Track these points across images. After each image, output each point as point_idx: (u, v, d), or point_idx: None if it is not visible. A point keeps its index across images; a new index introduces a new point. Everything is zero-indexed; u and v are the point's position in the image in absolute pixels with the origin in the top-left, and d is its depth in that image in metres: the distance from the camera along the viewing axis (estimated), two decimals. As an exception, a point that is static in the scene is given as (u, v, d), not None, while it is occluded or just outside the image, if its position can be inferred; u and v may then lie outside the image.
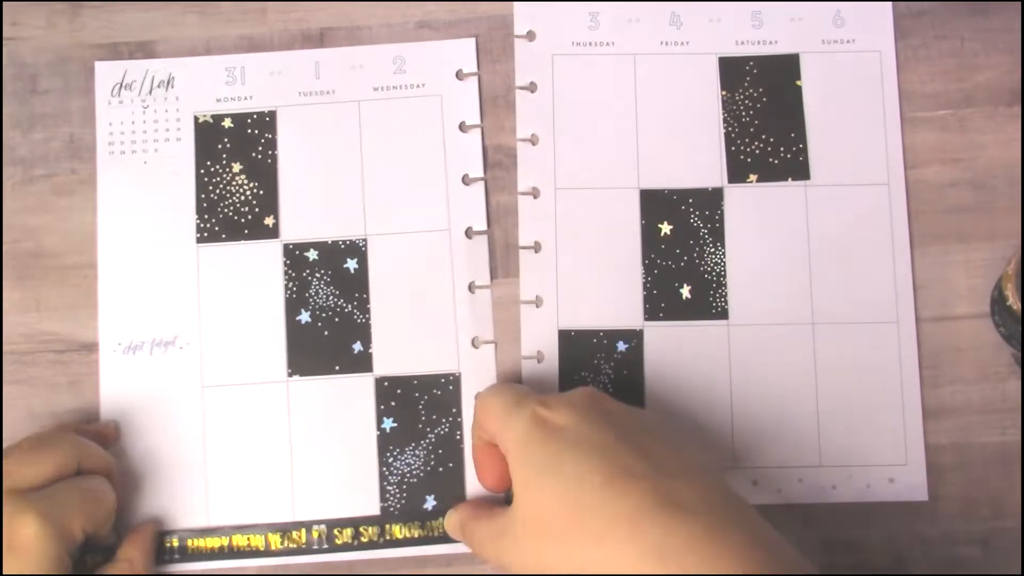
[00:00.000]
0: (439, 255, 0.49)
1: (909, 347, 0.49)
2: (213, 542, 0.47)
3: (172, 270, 0.49)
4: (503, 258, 0.50)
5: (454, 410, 0.48)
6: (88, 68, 0.51)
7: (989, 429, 0.48)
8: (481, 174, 0.50)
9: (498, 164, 0.50)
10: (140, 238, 0.49)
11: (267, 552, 0.47)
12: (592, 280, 0.49)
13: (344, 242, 0.49)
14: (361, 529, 0.47)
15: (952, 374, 0.49)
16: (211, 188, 0.50)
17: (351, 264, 0.49)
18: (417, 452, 0.48)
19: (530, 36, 0.51)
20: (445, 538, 0.47)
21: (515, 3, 0.51)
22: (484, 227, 0.50)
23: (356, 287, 0.49)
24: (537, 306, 0.49)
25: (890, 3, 0.51)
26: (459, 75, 0.51)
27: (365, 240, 0.49)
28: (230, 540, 0.47)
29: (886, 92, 0.51)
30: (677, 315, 0.49)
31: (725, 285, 0.49)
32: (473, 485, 0.48)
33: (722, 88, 0.51)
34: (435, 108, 0.51)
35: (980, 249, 0.49)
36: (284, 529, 0.47)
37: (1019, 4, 0.51)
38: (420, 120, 0.50)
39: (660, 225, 0.50)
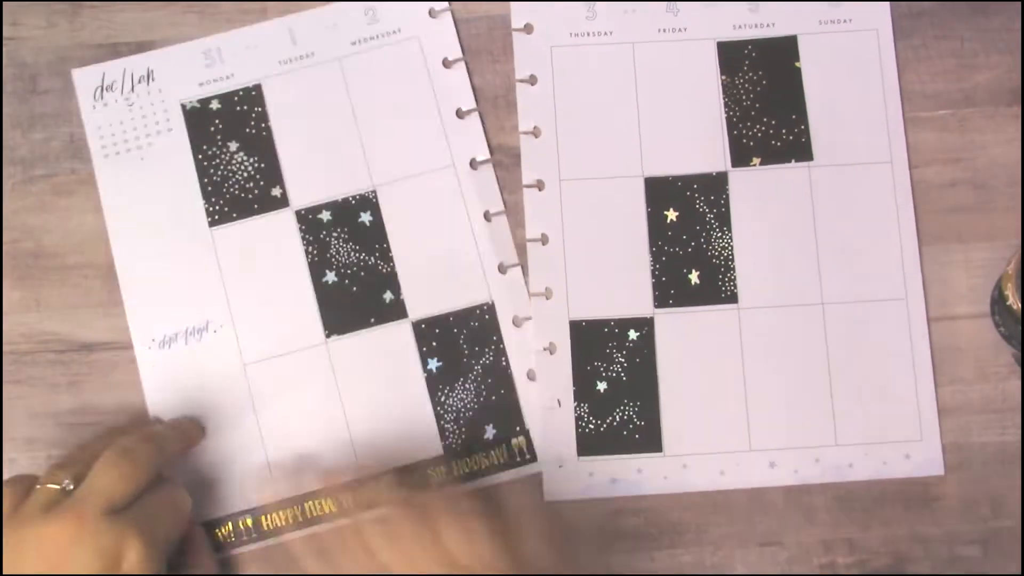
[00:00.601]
0: (449, 191, 0.50)
1: (919, 323, 0.49)
2: (286, 514, 0.47)
3: (190, 258, 0.49)
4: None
5: (495, 338, 0.49)
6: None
7: (989, 429, 0.48)
8: (473, 105, 0.50)
9: (499, 164, 0.50)
10: (152, 233, 0.49)
11: (341, 512, 0.47)
12: (601, 270, 0.49)
13: (355, 197, 0.50)
14: (429, 472, 0.48)
15: (952, 374, 0.49)
16: (212, 171, 0.50)
17: (365, 217, 0.49)
18: (467, 386, 0.48)
19: (528, 29, 0.51)
20: (509, 464, 0.47)
21: (512, 3, 0.51)
22: (487, 156, 0.50)
23: (375, 239, 0.49)
24: (547, 298, 0.49)
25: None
26: (431, 13, 0.51)
27: (375, 191, 0.50)
28: (302, 508, 0.47)
29: (885, 70, 0.51)
30: (687, 301, 0.49)
31: (733, 269, 0.49)
32: (528, 406, 0.48)
33: (722, 73, 0.51)
34: (415, 50, 0.51)
35: (980, 249, 0.49)
36: (352, 487, 0.47)
37: (1019, 4, 0.51)
38: (403, 65, 0.51)
39: (666, 212, 0.50)
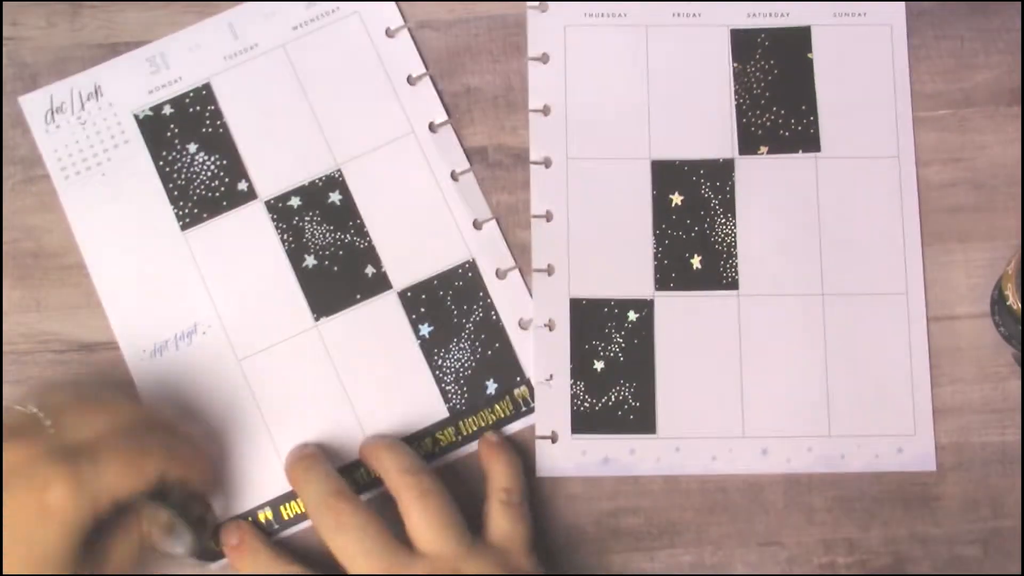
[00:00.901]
0: (412, 157, 0.50)
1: (918, 317, 0.49)
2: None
3: (167, 264, 0.49)
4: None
5: (480, 293, 0.49)
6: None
7: (989, 429, 0.48)
8: (423, 70, 0.51)
9: (498, 164, 0.50)
10: (126, 246, 0.49)
11: (359, 488, 0.47)
12: (603, 250, 0.49)
13: (321, 179, 0.50)
14: (437, 436, 0.48)
15: (952, 374, 0.49)
16: (175, 175, 0.50)
17: (334, 197, 0.50)
18: (462, 345, 0.48)
19: (543, 7, 0.51)
20: (516, 415, 0.48)
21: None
22: (445, 117, 0.50)
23: (347, 216, 0.49)
24: (549, 274, 0.49)
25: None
26: None
27: (339, 170, 0.50)
28: None
29: (896, 66, 0.51)
30: (688, 285, 0.49)
31: (735, 256, 0.49)
32: (525, 354, 0.48)
33: (733, 60, 0.51)
34: (357, 25, 0.51)
35: (980, 249, 0.49)
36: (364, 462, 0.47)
37: (1019, 4, 0.51)
38: (347, 41, 0.51)
39: (671, 196, 0.50)
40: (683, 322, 0.49)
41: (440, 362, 0.48)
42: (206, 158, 0.50)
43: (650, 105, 0.50)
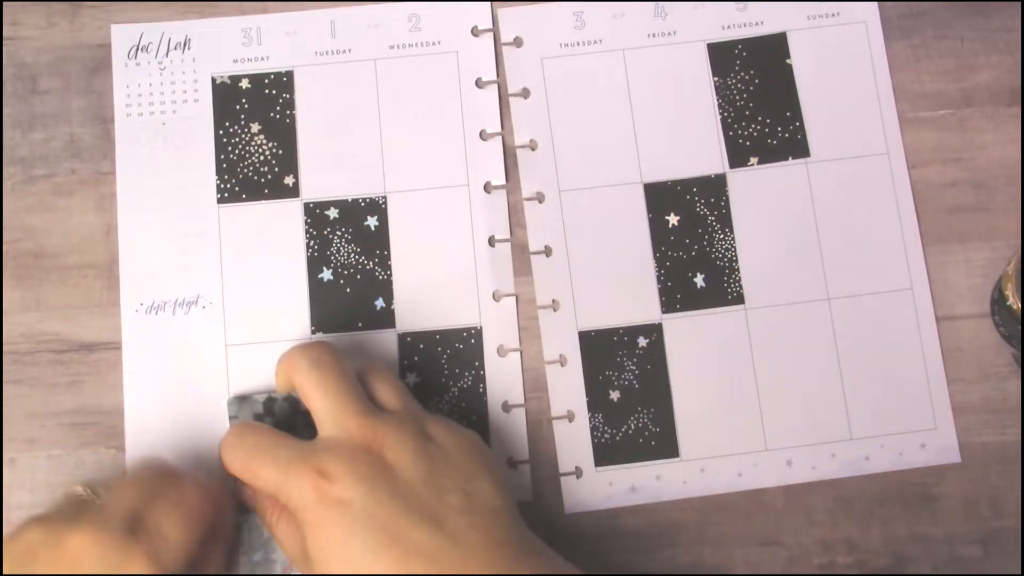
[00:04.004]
0: (458, 210, 0.49)
1: (926, 311, 0.49)
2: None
3: (193, 230, 0.49)
4: (503, 258, 0.50)
5: (476, 363, 0.48)
6: (88, 68, 0.51)
7: (989, 429, 0.48)
8: (498, 129, 0.50)
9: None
10: (160, 199, 0.49)
11: None
12: (606, 279, 0.49)
13: (364, 200, 0.50)
14: None
15: (952, 374, 0.48)
16: (230, 148, 0.50)
17: (371, 221, 0.49)
18: (440, 406, 0.48)
19: (517, 42, 0.51)
20: None
21: (499, 10, 0.51)
22: (503, 181, 0.50)
23: (377, 244, 0.49)
24: (555, 310, 0.49)
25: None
26: (474, 31, 0.51)
27: (385, 197, 0.50)
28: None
29: (875, 62, 0.51)
30: (694, 305, 0.49)
31: (738, 270, 0.49)
32: (496, 440, 0.47)
33: (713, 74, 0.51)
34: (451, 65, 0.51)
35: (980, 249, 0.49)
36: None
37: (1019, 4, 0.51)
38: (436, 77, 0.51)
39: (667, 217, 0.50)
40: (693, 342, 0.49)
41: None
42: (264, 142, 0.50)
43: (636, 128, 0.50)
